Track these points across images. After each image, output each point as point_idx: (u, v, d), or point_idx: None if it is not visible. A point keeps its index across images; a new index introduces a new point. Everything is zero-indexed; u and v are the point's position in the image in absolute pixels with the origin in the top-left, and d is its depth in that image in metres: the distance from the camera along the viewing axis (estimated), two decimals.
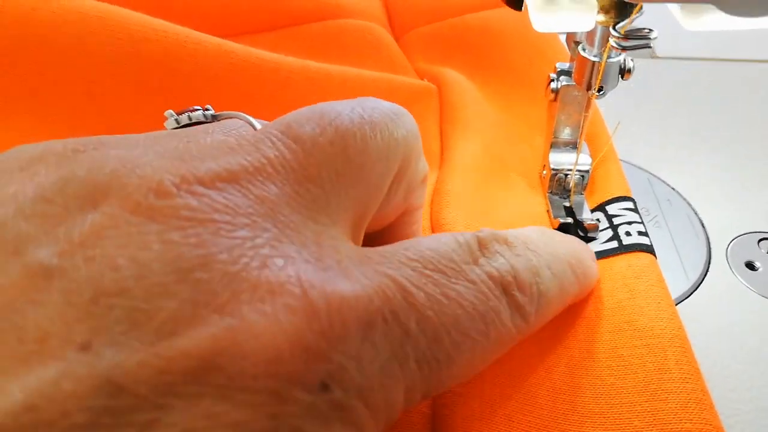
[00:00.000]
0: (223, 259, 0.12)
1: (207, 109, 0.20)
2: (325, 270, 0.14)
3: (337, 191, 0.16)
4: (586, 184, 0.30)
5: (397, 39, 0.43)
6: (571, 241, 0.22)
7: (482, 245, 0.18)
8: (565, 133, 0.30)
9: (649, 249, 0.25)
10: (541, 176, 0.31)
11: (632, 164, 0.35)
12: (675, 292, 0.27)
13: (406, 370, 0.14)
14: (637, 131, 0.37)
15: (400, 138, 0.19)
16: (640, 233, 0.26)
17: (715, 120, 0.38)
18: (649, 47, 0.22)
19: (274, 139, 0.16)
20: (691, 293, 0.27)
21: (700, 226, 0.31)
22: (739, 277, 0.28)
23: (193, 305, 0.12)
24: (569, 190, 0.29)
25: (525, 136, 0.34)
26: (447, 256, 0.16)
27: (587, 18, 0.21)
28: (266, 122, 0.18)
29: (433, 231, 0.27)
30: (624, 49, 0.22)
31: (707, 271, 0.28)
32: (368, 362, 0.13)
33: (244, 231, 0.13)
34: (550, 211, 0.29)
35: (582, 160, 0.29)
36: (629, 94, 0.41)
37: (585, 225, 0.27)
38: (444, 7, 0.43)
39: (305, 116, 0.17)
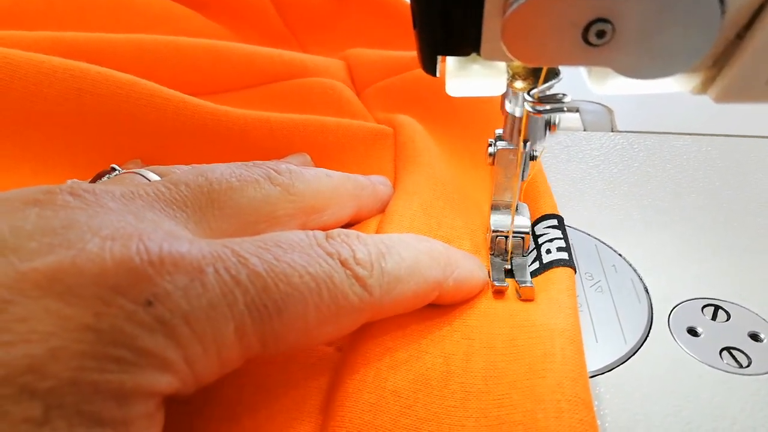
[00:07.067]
0: (81, 224, 0.17)
1: (114, 170, 0.27)
2: (170, 238, 0.17)
3: (198, 217, 0.21)
4: (528, 246, 0.30)
5: (358, 94, 0.47)
6: (437, 243, 0.25)
7: (329, 237, 0.21)
8: (507, 196, 0.30)
9: (566, 263, 0.27)
10: (485, 237, 0.31)
11: (580, 230, 0.35)
12: (611, 357, 0.27)
13: (235, 309, 0.17)
14: (588, 198, 0.38)
15: (278, 193, 0.24)
16: (559, 249, 0.28)
17: (664, 189, 0.39)
18: (563, 110, 0.23)
19: (156, 183, 0.21)
20: (629, 357, 0.27)
21: (644, 292, 0.30)
22: (679, 343, 0.28)
23: (49, 246, 0.16)
24: (510, 252, 0.30)
25: (469, 193, 0.35)
26: (289, 238, 0.20)
27: (497, 83, 0.22)
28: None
29: None
30: (539, 113, 0.23)
31: (647, 335, 0.28)
32: (195, 296, 0.16)
33: (108, 215, 0.18)
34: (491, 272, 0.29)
35: (519, 222, 0.29)
36: (581, 162, 0.42)
37: (520, 289, 0.27)
38: (397, 65, 0.48)
39: (188, 170, 0.22)
